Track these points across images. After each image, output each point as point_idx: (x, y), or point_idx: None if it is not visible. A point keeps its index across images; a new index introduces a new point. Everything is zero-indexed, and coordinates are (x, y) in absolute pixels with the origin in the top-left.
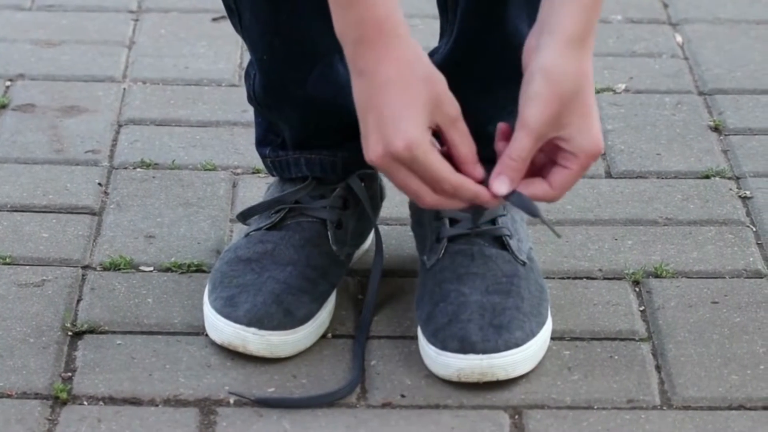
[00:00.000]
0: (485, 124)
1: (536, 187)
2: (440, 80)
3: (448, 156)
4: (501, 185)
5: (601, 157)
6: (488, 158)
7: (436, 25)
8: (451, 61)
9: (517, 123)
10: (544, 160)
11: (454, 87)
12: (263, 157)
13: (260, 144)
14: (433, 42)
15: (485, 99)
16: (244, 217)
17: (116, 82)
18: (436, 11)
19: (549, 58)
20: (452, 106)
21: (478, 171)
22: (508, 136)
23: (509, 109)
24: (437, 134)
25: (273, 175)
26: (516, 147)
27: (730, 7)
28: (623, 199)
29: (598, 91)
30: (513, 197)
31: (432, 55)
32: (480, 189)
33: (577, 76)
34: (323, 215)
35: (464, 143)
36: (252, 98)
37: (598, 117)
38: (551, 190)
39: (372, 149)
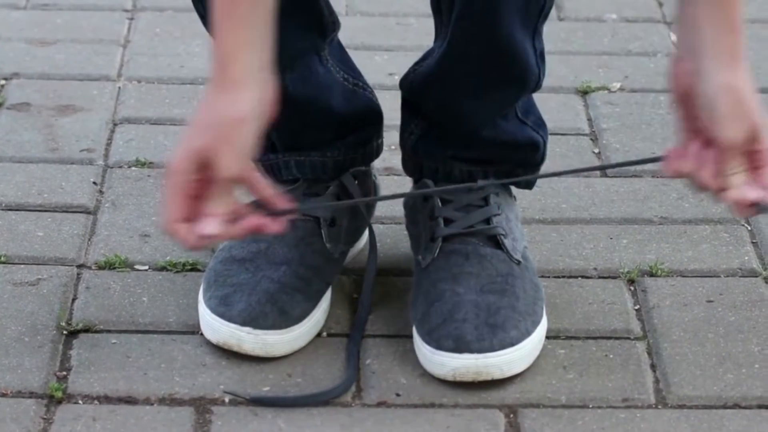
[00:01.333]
0: (479, 127)
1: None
2: (228, 142)
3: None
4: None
5: (596, 156)
6: (484, 160)
7: (430, 23)
8: (445, 64)
9: (720, 147)
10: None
11: (447, 90)
12: (254, 161)
13: None
14: (428, 41)
15: (479, 102)
16: None
17: (111, 81)
18: (430, 10)
19: (724, 76)
20: (225, 169)
21: (752, 194)
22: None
23: (503, 113)
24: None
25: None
26: (724, 164)
27: None
28: (618, 198)
29: (593, 90)
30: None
31: (426, 57)
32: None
33: (748, 86)
34: (317, 213)
35: (217, 203)
36: None
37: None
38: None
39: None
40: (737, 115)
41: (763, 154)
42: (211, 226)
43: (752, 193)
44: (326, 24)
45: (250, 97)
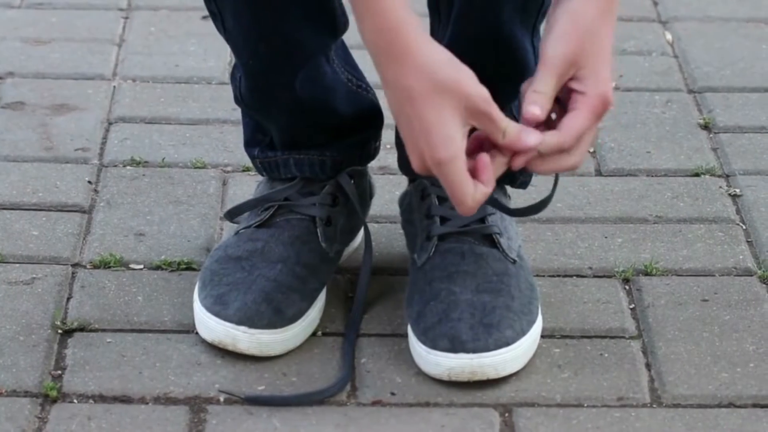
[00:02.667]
0: None
1: (548, 136)
2: (463, 79)
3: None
4: (534, 109)
5: (591, 154)
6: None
7: (426, 23)
8: None
9: (540, 62)
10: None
11: None
12: (252, 158)
13: (249, 145)
14: None
15: None
16: (232, 215)
17: (106, 80)
18: (425, 9)
19: (577, 3)
20: (481, 98)
21: (532, 139)
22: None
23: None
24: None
25: (262, 175)
26: (539, 81)
27: (720, 5)
28: (613, 197)
29: None
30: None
31: None
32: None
33: (599, 17)
34: (312, 212)
35: (507, 131)
36: (239, 100)
37: (609, 62)
38: (561, 136)
39: (414, 165)
40: (567, 37)
41: (576, 95)
42: (532, 135)
43: (531, 138)
44: (338, 24)
45: (434, 46)
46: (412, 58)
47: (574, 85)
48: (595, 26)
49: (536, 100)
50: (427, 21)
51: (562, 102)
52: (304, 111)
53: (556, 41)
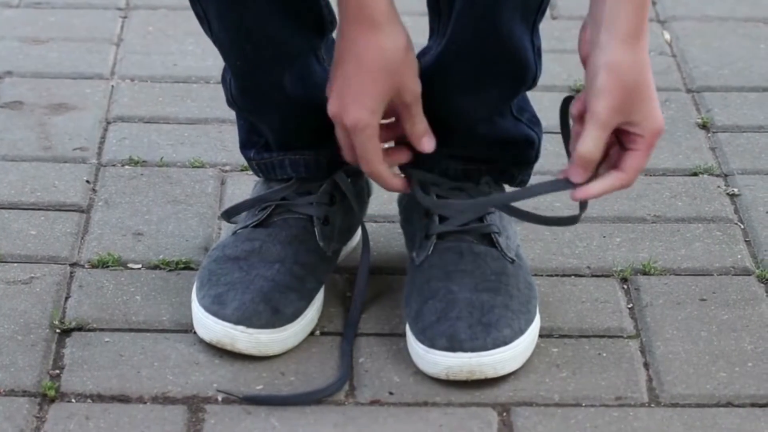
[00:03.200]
0: (476, 124)
1: (612, 180)
2: (406, 72)
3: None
4: (577, 175)
5: None
6: (481, 158)
7: (422, 22)
8: (444, 61)
9: (587, 117)
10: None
11: (445, 87)
12: (248, 159)
13: (244, 146)
14: (420, 39)
15: (476, 99)
16: (229, 215)
17: (104, 80)
18: (424, 8)
19: (611, 55)
20: (412, 93)
21: (425, 145)
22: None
23: (500, 110)
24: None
25: (259, 177)
26: (587, 142)
27: (718, 4)
28: (611, 197)
29: None
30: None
31: (424, 54)
32: (392, 182)
33: (637, 66)
34: (309, 211)
35: (411, 122)
36: (231, 102)
37: (657, 99)
38: (625, 175)
39: (330, 106)
40: (611, 91)
41: (631, 136)
42: (430, 142)
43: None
44: (325, 23)
45: (400, 29)
46: (376, 35)
47: (629, 128)
48: (634, 74)
49: (581, 165)
50: (424, 20)
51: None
52: (295, 110)
53: (600, 95)
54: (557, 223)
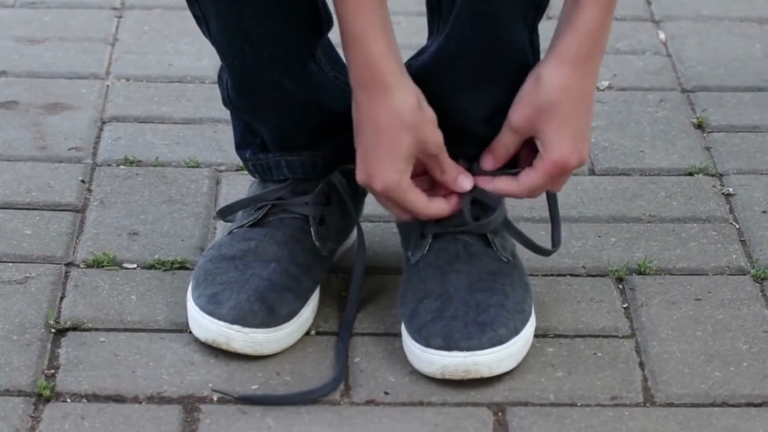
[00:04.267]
0: (474, 122)
1: (501, 182)
2: (425, 124)
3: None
4: (487, 161)
5: None
6: (477, 156)
7: (419, 22)
8: (443, 59)
9: (506, 119)
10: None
11: (443, 86)
12: (244, 160)
13: (239, 147)
14: (416, 39)
15: (476, 97)
16: (224, 214)
17: (99, 79)
18: (420, 8)
19: (540, 68)
20: (434, 145)
21: (462, 185)
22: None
23: (499, 108)
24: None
25: (255, 177)
26: (501, 135)
27: (713, 4)
28: (607, 197)
29: None
30: (476, 192)
31: (422, 53)
32: (452, 207)
33: (559, 89)
34: (305, 211)
35: (440, 172)
36: (227, 102)
37: (581, 136)
38: (516, 186)
39: (359, 175)
40: (524, 101)
41: (539, 154)
42: (467, 181)
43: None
44: (322, 24)
45: (410, 87)
46: (387, 98)
47: (537, 144)
48: (553, 95)
49: (494, 150)
50: (420, 20)
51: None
52: (292, 111)
53: (517, 104)
54: (534, 250)
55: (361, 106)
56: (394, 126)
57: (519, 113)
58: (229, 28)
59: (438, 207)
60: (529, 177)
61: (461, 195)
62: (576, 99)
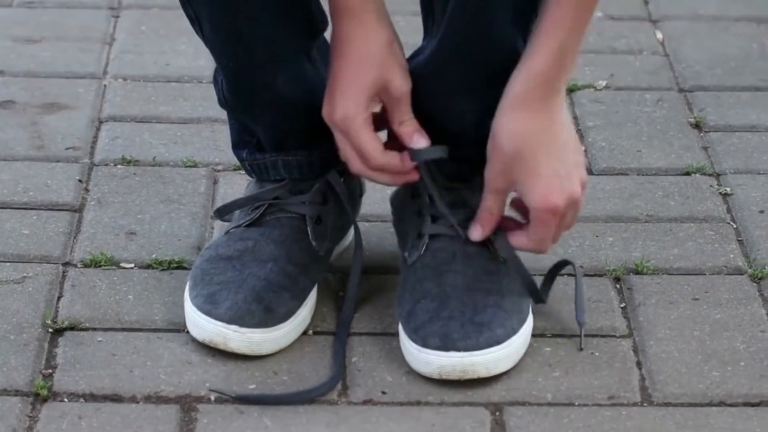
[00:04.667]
0: (471, 125)
1: (518, 239)
2: (391, 64)
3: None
4: (474, 232)
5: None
6: (473, 158)
7: (417, 21)
8: (436, 63)
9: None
10: None
11: (437, 88)
12: (241, 160)
13: (236, 147)
14: (414, 38)
15: (471, 101)
16: (221, 213)
17: (97, 79)
18: (417, 8)
19: (498, 118)
20: (398, 89)
21: (416, 141)
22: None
23: (493, 110)
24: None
25: (252, 177)
26: (484, 200)
27: (711, 4)
28: (604, 196)
29: (579, 88)
30: (498, 242)
31: (417, 54)
32: (400, 166)
33: (517, 136)
34: (302, 211)
35: (398, 119)
36: (223, 103)
37: (563, 173)
38: (528, 242)
39: (323, 109)
40: (491, 157)
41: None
42: (422, 140)
43: (476, 235)
44: (317, 25)
45: (385, 23)
46: (361, 30)
47: (521, 197)
48: (516, 142)
49: (480, 218)
50: (417, 20)
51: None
52: (288, 111)
53: (488, 162)
54: (532, 293)
55: (337, 35)
56: (362, 58)
57: (490, 171)
58: (223, 30)
59: (389, 159)
60: (532, 230)
61: (419, 164)
62: (540, 140)
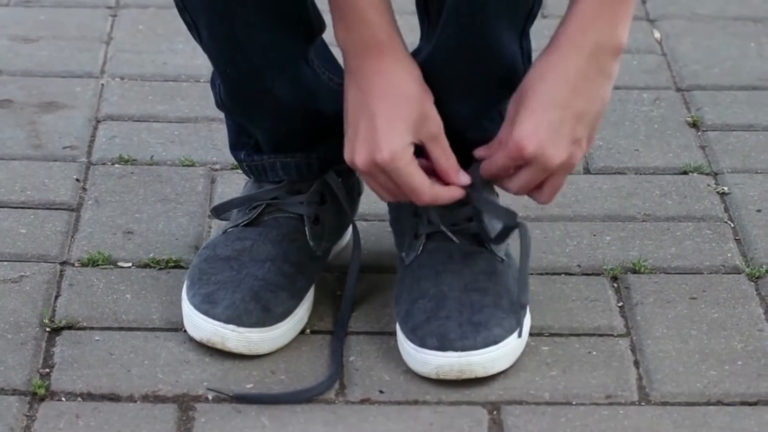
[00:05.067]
0: (465, 129)
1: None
2: (428, 99)
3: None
4: (462, 177)
5: None
6: (469, 161)
7: (415, 21)
8: (431, 67)
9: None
10: None
11: (434, 91)
12: (238, 161)
13: (234, 148)
14: (413, 38)
15: (466, 104)
16: (218, 212)
17: (94, 78)
18: (414, 8)
19: (543, 54)
20: (435, 124)
21: (462, 179)
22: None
23: (490, 115)
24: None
25: (249, 178)
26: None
27: (708, 3)
28: (602, 195)
29: None
30: (471, 170)
31: (414, 56)
32: (454, 192)
33: (540, 73)
34: (300, 211)
35: (444, 157)
36: (220, 105)
37: (552, 130)
38: (483, 168)
39: (358, 154)
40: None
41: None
42: (465, 177)
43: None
44: (314, 29)
45: (412, 60)
46: (392, 69)
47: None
48: (532, 81)
49: (489, 145)
50: (416, 20)
51: None
52: (286, 116)
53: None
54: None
55: (363, 70)
56: (402, 94)
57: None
58: (221, 37)
59: (440, 190)
60: (495, 158)
61: (468, 187)
62: (556, 88)
